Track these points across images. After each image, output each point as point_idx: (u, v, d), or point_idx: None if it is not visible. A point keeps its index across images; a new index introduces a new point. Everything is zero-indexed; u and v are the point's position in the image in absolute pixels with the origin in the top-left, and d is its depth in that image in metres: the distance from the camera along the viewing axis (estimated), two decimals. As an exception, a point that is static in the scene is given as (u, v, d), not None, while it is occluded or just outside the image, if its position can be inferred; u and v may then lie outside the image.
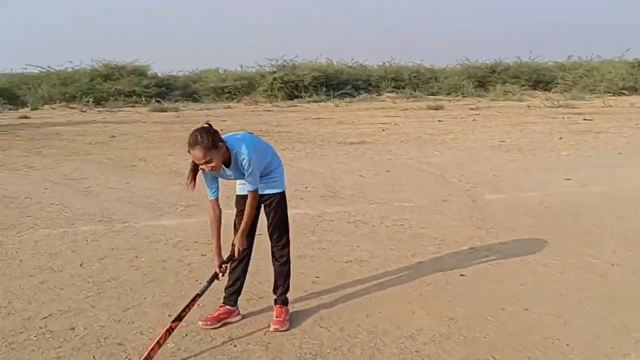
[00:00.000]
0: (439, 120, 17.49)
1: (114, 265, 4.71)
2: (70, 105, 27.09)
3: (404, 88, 33.27)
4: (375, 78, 34.19)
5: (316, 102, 29.22)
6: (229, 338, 3.38)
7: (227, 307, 3.61)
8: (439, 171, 8.72)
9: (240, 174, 3.38)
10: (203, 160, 3.14)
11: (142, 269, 4.61)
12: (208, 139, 3.11)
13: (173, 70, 35.28)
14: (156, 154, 11.22)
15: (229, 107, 27.24)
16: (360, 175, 8.51)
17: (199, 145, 3.10)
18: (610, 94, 28.08)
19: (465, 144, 11.85)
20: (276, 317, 3.53)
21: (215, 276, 3.47)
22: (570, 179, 7.81)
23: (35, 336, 3.44)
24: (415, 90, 32.77)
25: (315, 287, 4.14)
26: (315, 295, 3.99)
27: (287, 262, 3.65)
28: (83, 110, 24.90)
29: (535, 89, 34.08)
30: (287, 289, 3.66)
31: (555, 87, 32.87)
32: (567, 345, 3.14)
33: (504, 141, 12.18)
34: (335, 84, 32.12)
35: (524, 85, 33.47)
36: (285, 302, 3.62)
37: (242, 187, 3.57)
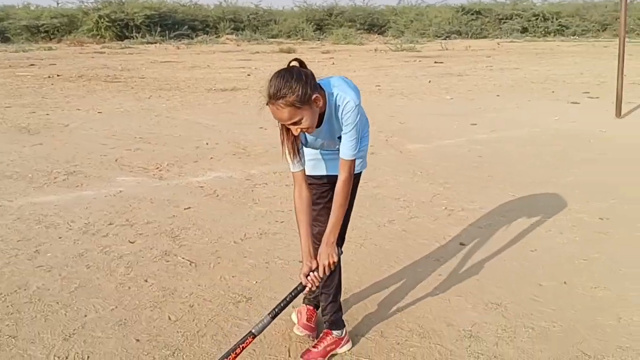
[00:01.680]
0: (299, 64, 16.84)
1: (13, 267, 3.41)
2: None
3: (243, 30, 31.99)
4: (212, 19, 32.33)
5: (150, 43, 26.82)
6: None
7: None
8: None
9: (329, 136, 2.32)
10: (289, 122, 2.10)
11: (57, 270, 3.40)
12: (300, 88, 2.04)
13: (-30, 5, 29.95)
14: (-12, 107, 9.10)
15: (50, 48, 23.83)
16: (262, 127, 7.60)
17: (284, 99, 2.03)
18: (441, 38, 29.65)
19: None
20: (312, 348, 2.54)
21: (298, 291, 2.33)
22: (476, 124, 7.73)
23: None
24: (255, 33, 31.65)
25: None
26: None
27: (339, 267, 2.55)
28: None
29: (370, 32, 34.88)
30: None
31: (389, 30, 33.90)
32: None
33: (379, 85, 11.94)
34: (170, 24, 29.74)
35: (359, 29, 34.03)
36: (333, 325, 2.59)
37: (315, 164, 2.50)
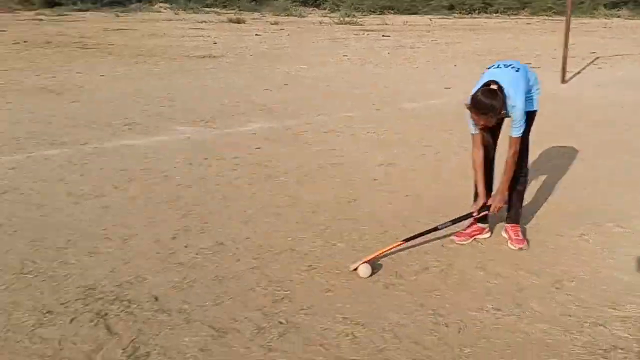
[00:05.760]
0: (256, 34, 17.60)
1: (163, 186, 4.29)
2: None
3: (176, -1, 32.10)
4: (145, -14, 32.05)
5: (83, 11, 26.62)
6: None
7: (479, 224, 3.55)
8: (335, 84, 9.20)
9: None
10: (482, 124, 3.10)
11: (196, 188, 4.30)
12: (497, 108, 3.00)
13: None
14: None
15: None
16: (267, 89, 8.54)
17: (490, 114, 3.01)
18: (375, 13, 31.06)
19: (317, 59, 12.38)
20: (515, 236, 3.49)
21: (466, 217, 3.37)
22: (450, 88, 9.01)
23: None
24: (189, 1, 31.81)
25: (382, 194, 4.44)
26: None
27: (526, 181, 3.55)
28: None
29: (305, 5, 35.69)
30: (521, 207, 3.59)
31: (325, 3, 34.87)
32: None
33: (346, 55, 13.04)
34: (102, -8, 29.33)
35: (295, 1, 34.74)
36: (518, 221, 3.56)
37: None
